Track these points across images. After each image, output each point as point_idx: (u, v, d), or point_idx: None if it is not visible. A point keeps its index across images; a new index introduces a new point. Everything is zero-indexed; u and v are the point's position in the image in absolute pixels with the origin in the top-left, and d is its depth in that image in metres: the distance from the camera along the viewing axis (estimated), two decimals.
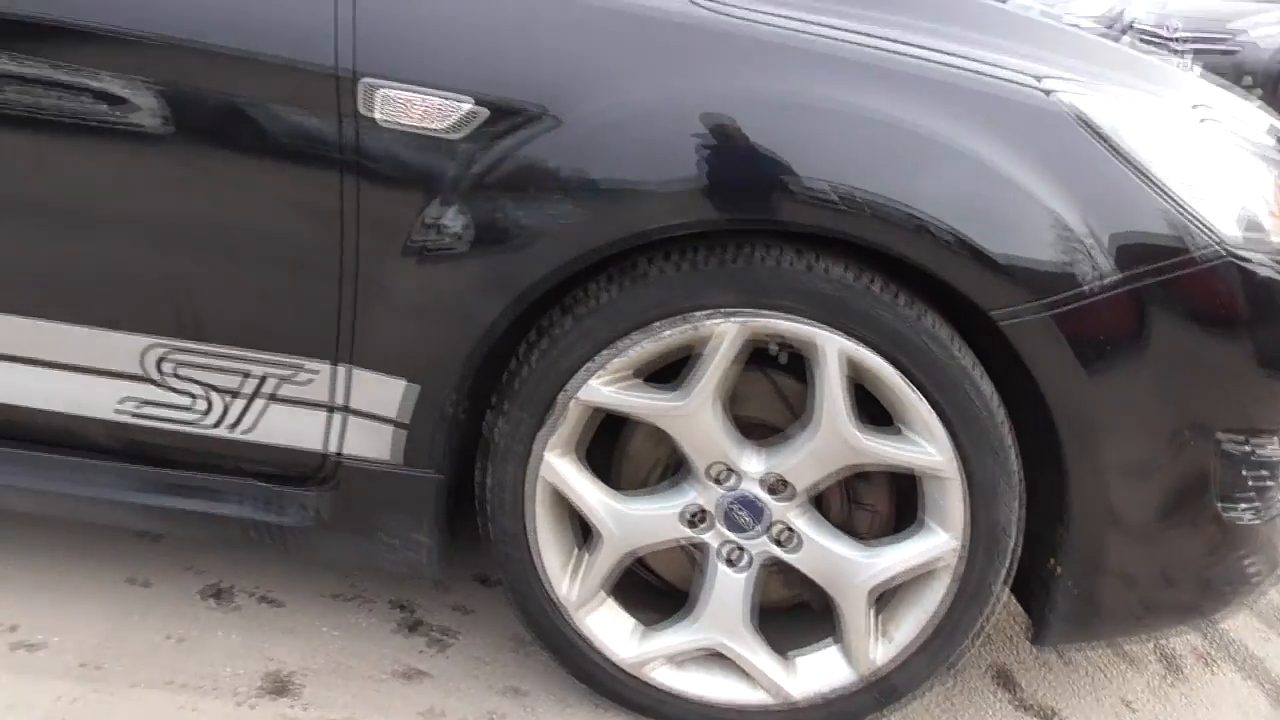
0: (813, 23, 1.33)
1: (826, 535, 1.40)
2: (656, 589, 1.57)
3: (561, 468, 1.39)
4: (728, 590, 1.42)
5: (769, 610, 1.47)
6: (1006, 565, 1.39)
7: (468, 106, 1.26)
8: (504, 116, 1.27)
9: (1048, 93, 1.31)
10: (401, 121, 1.27)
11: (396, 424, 1.39)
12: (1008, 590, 1.43)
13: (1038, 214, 1.27)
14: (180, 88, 1.28)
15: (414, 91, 1.26)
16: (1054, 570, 1.40)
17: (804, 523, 1.40)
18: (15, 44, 1.28)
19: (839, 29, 1.33)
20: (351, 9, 1.26)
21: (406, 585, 1.75)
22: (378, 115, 1.27)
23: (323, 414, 1.41)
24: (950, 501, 1.35)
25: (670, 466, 1.47)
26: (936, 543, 1.37)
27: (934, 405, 1.31)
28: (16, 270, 1.39)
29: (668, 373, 1.39)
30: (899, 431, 1.36)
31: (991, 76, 1.32)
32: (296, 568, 1.75)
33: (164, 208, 1.33)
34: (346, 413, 1.40)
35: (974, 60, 1.33)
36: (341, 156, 1.28)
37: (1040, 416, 1.32)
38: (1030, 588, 1.45)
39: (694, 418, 1.35)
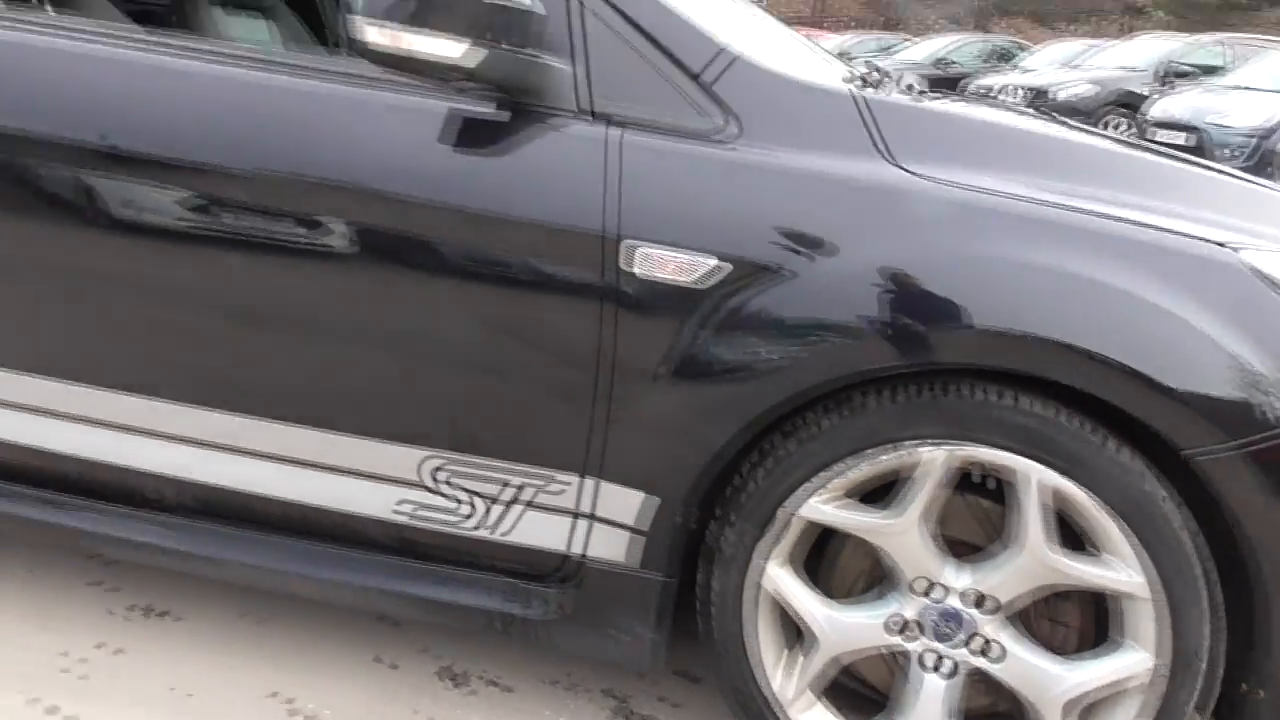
0: (1008, 191, 1.50)
1: (1027, 648, 1.52)
2: (848, 688, 1.70)
3: (780, 576, 1.56)
4: (931, 695, 1.54)
5: (968, 716, 1.58)
6: (1199, 686, 1.47)
7: (712, 263, 1.48)
8: (743, 271, 1.48)
9: (1235, 250, 1.45)
10: (656, 274, 1.49)
11: (635, 531, 1.59)
12: (1205, 714, 1.50)
13: (1224, 361, 1.39)
14: (473, 245, 1.55)
15: (667, 250, 1.49)
16: (1249, 695, 1.48)
17: (1005, 635, 1.52)
18: (362, 212, 1.58)
19: (1032, 196, 1.50)
20: (618, 187, 1.51)
21: (615, 675, 1.92)
22: (636, 270, 1.50)
23: (569, 519, 1.62)
24: (1143, 622, 1.46)
25: (875, 578, 1.62)
26: (1130, 661, 1.47)
27: (1129, 532, 1.43)
28: (320, 389, 1.66)
29: (875, 492, 1.55)
30: (1094, 554, 1.48)
31: (1177, 236, 1.46)
32: (517, 655, 1.95)
33: (451, 344, 1.59)
34: (592, 519, 1.61)
35: (1160, 223, 1.48)
36: (603, 301, 1.51)
37: (1234, 544, 1.42)
38: (1230, 711, 1.53)
39: (904, 535, 1.51)
